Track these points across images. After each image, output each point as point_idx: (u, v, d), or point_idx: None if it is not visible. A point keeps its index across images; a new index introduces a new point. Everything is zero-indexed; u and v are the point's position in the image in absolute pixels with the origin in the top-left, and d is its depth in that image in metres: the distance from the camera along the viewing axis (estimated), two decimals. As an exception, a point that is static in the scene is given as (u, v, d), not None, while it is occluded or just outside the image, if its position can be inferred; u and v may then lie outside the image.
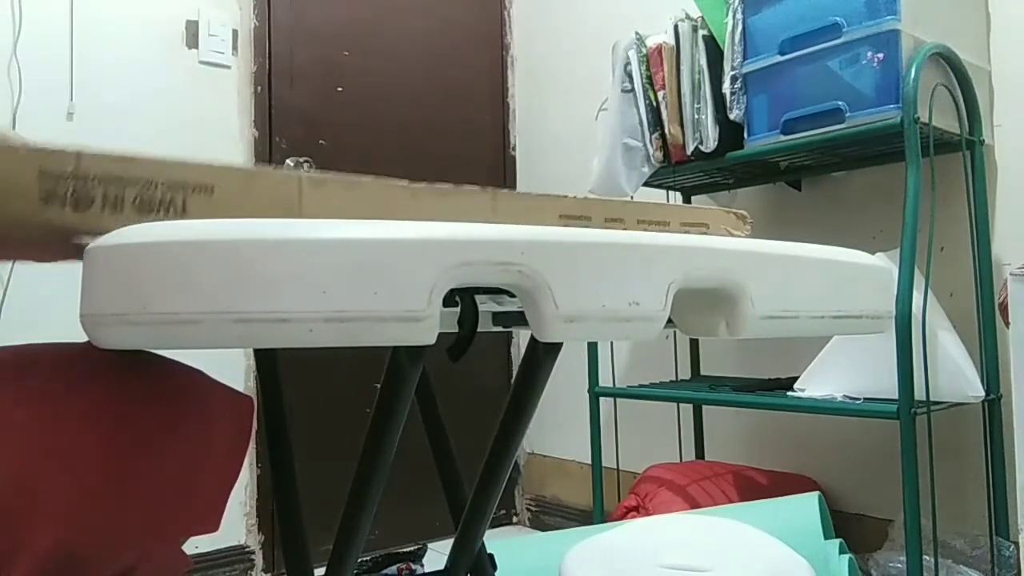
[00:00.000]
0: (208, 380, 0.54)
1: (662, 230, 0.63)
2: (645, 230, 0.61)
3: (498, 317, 0.69)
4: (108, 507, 0.46)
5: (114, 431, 0.46)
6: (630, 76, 1.74)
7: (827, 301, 0.53)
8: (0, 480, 0.43)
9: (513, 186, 2.60)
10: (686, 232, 0.64)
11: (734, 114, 1.60)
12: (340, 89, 2.24)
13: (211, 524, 0.52)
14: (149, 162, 0.45)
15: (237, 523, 2.00)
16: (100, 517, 0.45)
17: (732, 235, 0.68)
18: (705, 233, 0.66)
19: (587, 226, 0.59)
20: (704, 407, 2.00)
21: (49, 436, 0.44)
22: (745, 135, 1.59)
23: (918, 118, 1.34)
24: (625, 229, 0.60)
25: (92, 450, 0.45)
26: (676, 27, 1.68)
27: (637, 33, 1.75)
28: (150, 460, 0.48)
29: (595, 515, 1.85)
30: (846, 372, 1.45)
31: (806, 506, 1.34)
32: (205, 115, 2.02)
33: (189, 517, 0.51)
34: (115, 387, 0.48)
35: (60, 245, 0.47)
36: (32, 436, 0.44)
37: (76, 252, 0.53)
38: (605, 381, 1.94)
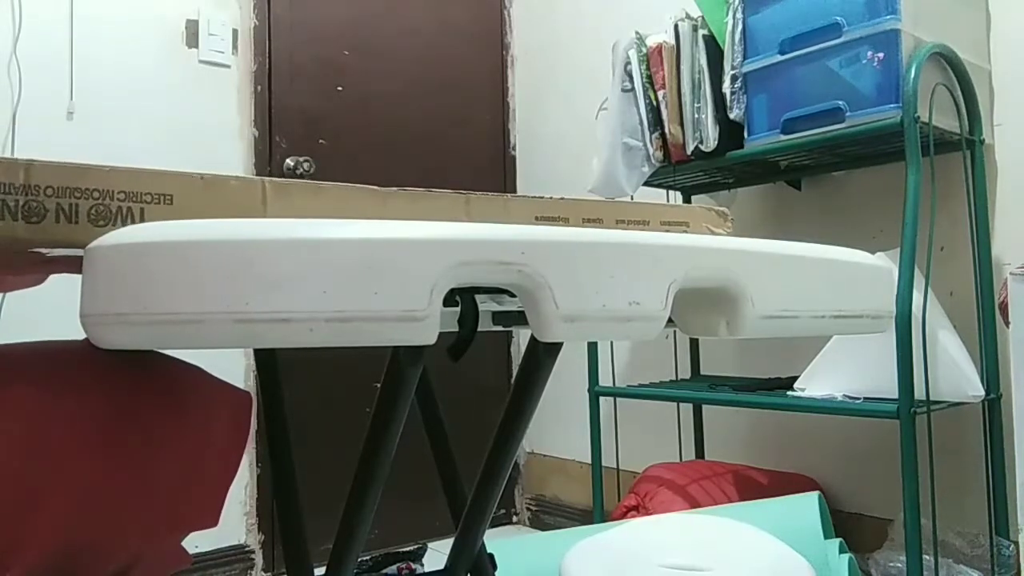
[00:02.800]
0: (206, 376, 0.54)
1: (642, 230, 0.62)
2: (624, 230, 0.61)
3: (498, 317, 0.69)
4: (108, 502, 0.46)
5: (113, 427, 0.46)
6: (630, 76, 1.74)
7: (827, 301, 0.53)
8: (1, 476, 0.43)
9: (513, 186, 2.59)
10: (667, 231, 0.64)
11: (734, 114, 1.60)
12: (340, 89, 2.24)
13: (210, 519, 0.52)
14: (103, 172, 0.44)
15: (237, 523, 2.00)
16: (100, 512, 0.45)
17: (713, 232, 0.68)
18: (686, 231, 0.66)
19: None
20: (704, 407, 2.00)
21: (49, 432, 0.44)
22: (745, 135, 1.59)
23: (918, 118, 1.34)
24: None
25: (92, 446, 0.45)
26: (676, 27, 1.68)
27: (637, 32, 1.75)
28: (149, 455, 0.48)
29: (595, 514, 1.85)
30: (846, 372, 1.45)
31: (806, 506, 1.34)
32: (205, 114, 2.02)
33: (188, 512, 0.51)
34: (114, 383, 0.48)
35: (13, 258, 0.46)
36: (32, 432, 0.44)
37: (33, 264, 0.52)
38: (605, 380, 1.94)
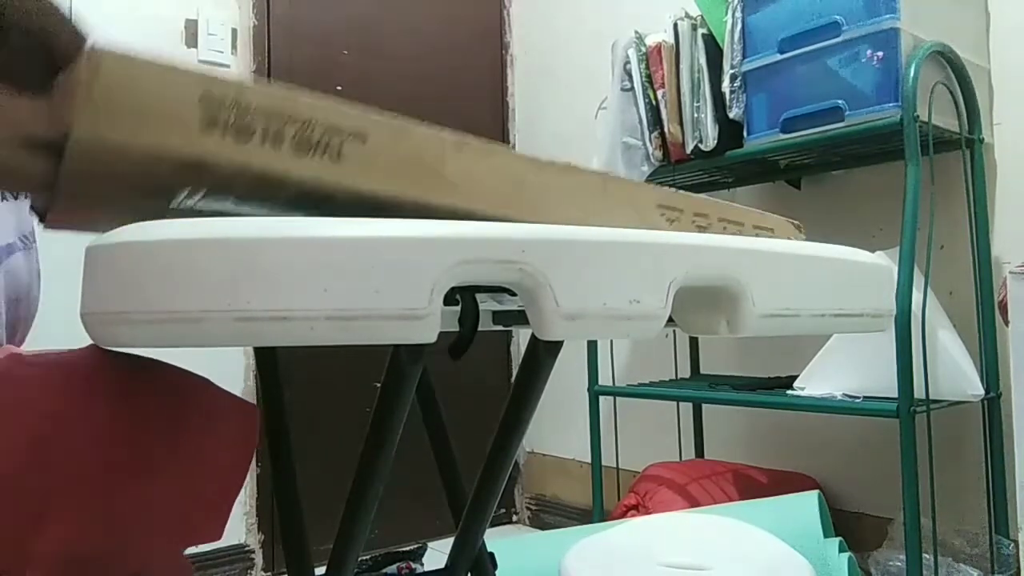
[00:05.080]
0: (214, 388, 0.53)
1: (738, 231, 0.62)
2: (725, 228, 0.61)
3: (498, 316, 0.69)
4: (115, 515, 0.46)
5: (120, 439, 0.46)
6: (629, 75, 1.74)
7: (827, 299, 0.53)
8: (7, 489, 0.43)
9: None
10: (756, 234, 0.64)
11: (733, 113, 1.60)
12: (340, 88, 2.24)
13: (215, 532, 0.52)
14: (308, 102, 0.43)
15: (237, 523, 2.00)
16: (107, 525, 0.45)
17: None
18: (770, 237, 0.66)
19: (678, 219, 0.58)
20: (704, 406, 2.00)
21: (56, 445, 0.44)
22: (745, 134, 1.59)
23: (917, 116, 1.34)
24: (709, 225, 0.60)
25: (98, 458, 0.45)
26: (675, 26, 1.68)
27: (636, 32, 1.75)
28: (156, 468, 0.47)
29: (595, 514, 1.86)
30: (846, 370, 1.45)
31: (806, 505, 1.34)
32: (204, 114, 2.01)
33: (193, 525, 0.51)
34: (121, 395, 0.47)
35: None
36: (39, 445, 0.44)
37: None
38: (605, 380, 1.94)
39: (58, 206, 0.46)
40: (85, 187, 0.42)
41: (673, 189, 0.60)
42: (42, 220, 0.49)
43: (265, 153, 0.42)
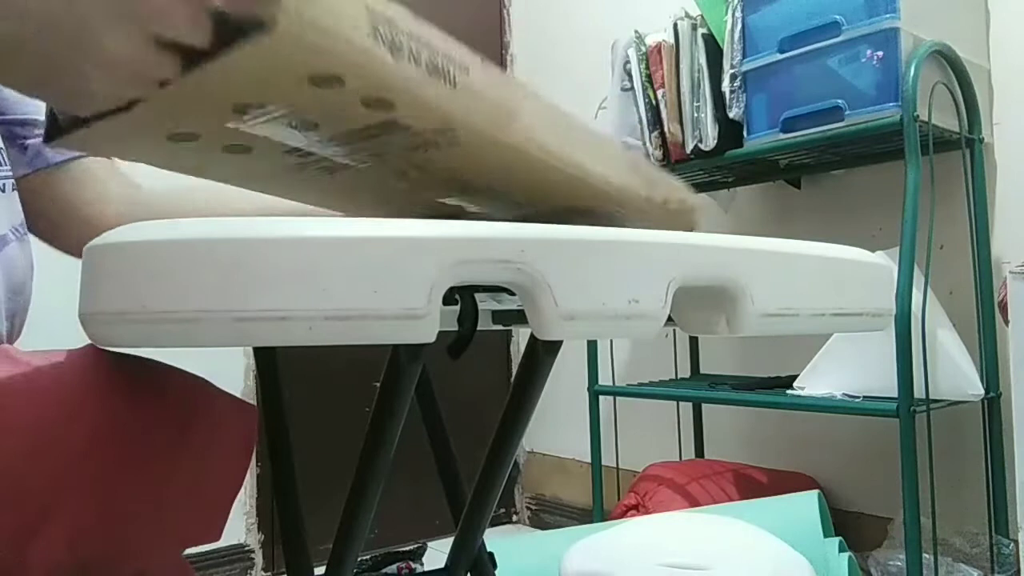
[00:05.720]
0: (214, 389, 0.53)
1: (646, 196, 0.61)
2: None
3: (498, 315, 0.69)
4: (117, 518, 0.45)
5: (119, 441, 0.46)
6: (629, 75, 1.74)
7: (827, 299, 0.53)
8: (5, 493, 0.43)
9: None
10: (682, 202, 0.62)
11: (733, 112, 1.60)
12: (339, 88, 2.24)
13: (214, 534, 0.52)
14: (436, 31, 0.45)
15: (237, 523, 2.00)
16: (109, 529, 0.45)
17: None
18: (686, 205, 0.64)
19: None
20: (704, 405, 2.00)
21: (54, 447, 0.44)
22: (745, 133, 1.59)
23: (917, 116, 1.34)
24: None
25: (97, 460, 0.45)
26: (675, 25, 1.68)
27: (636, 31, 1.75)
28: (155, 470, 0.47)
29: (595, 513, 1.86)
30: (845, 370, 1.45)
31: (806, 504, 1.34)
32: (204, 114, 2.01)
33: (192, 526, 0.51)
34: (119, 396, 0.47)
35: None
36: (36, 448, 0.44)
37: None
38: (605, 379, 1.94)
39: (138, 114, 0.41)
40: (211, 84, 0.38)
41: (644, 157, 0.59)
42: (52, 137, 0.44)
43: (409, 69, 0.42)
